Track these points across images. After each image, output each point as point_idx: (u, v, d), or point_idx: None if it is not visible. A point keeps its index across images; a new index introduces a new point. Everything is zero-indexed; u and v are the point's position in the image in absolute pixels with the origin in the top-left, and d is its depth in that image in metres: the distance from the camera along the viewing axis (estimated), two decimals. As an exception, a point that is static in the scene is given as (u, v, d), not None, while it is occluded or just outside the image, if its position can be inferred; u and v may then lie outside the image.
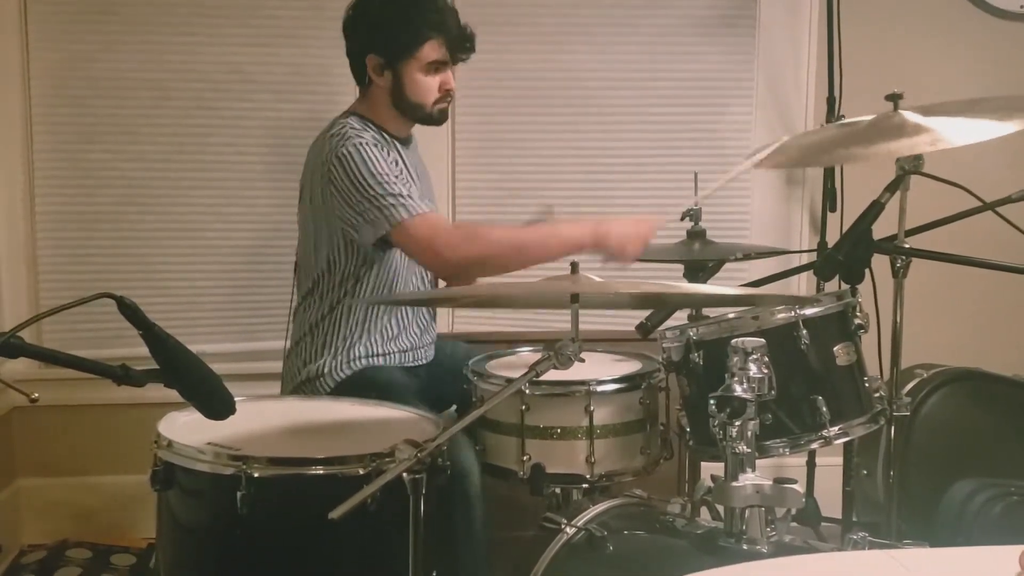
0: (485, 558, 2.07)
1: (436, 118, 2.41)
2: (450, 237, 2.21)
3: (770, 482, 1.50)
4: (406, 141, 2.45)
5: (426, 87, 2.35)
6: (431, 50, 2.33)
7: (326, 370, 2.35)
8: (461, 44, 2.37)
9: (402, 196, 2.20)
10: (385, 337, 2.39)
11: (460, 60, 2.41)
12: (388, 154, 2.29)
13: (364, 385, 2.28)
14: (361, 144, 2.25)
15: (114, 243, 3.01)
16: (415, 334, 2.46)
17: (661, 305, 2.16)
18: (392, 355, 2.41)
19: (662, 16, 3.08)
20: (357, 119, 2.36)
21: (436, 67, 2.35)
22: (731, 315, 1.95)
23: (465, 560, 2.03)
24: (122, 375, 1.36)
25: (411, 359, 2.45)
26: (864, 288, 2.07)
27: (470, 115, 3.03)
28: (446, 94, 2.39)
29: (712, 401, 1.54)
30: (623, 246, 2.16)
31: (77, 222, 2.99)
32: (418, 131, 2.50)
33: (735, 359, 1.54)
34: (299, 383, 2.37)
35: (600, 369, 2.08)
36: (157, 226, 3.01)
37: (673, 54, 3.09)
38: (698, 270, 2.38)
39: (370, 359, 2.37)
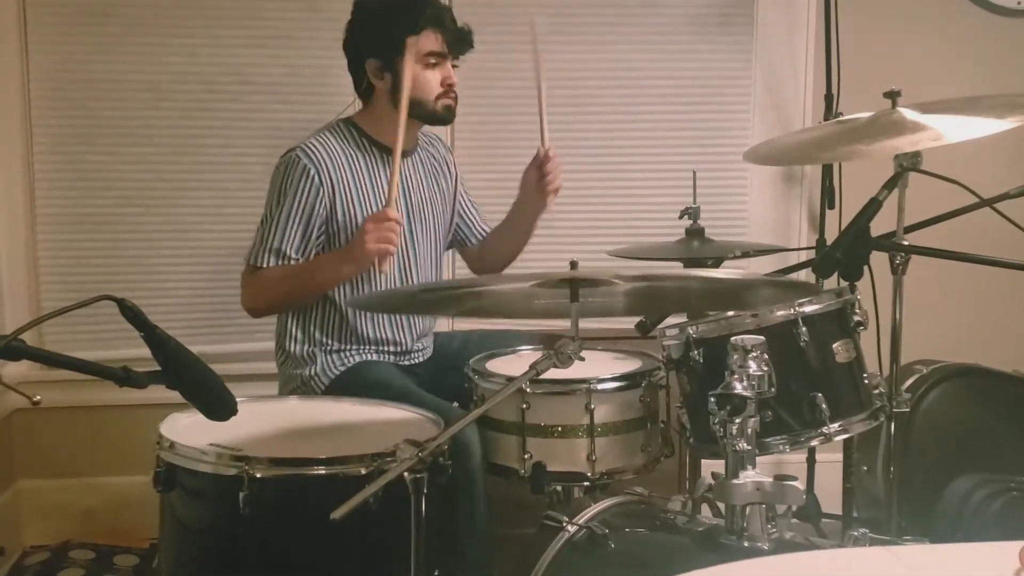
0: (487, 557, 2.08)
1: (441, 115, 2.37)
2: (246, 290, 2.37)
3: (770, 479, 1.50)
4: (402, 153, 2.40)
5: (425, 81, 2.31)
6: (427, 40, 2.29)
7: (318, 369, 2.35)
8: (458, 35, 2.33)
9: (263, 240, 2.30)
10: (370, 337, 2.39)
11: (459, 53, 2.36)
12: (307, 189, 2.28)
13: (358, 381, 2.28)
14: (290, 169, 2.29)
15: (114, 245, 3.01)
16: (406, 337, 2.44)
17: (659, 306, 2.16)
18: (385, 354, 2.41)
19: (660, 15, 3.08)
20: (332, 132, 2.37)
21: (434, 60, 2.31)
22: (730, 313, 1.96)
23: (467, 559, 2.04)
24: (124, 377, 1.36)
25: (406, 360, 2.45)
26: (863, 285, 2.08)
27: (469, 115, 3.02)
28: (449, 89, 2.34)
29: (712, 399, 1.54)
30: (368, 242, 2.18)
31: (77, 224, 3.00)
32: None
33: (735, 356, 1.54)
34: (294, 387, 2.37)
35: (600, 367, 2.08)
36: (157, 227, 3.01)
37: (671, 53, 3.09)
38: (697, 268, 2.39)
39: (361, 355, 2.37)
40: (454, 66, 2.38)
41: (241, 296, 2.38)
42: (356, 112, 2.45)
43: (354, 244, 2.23)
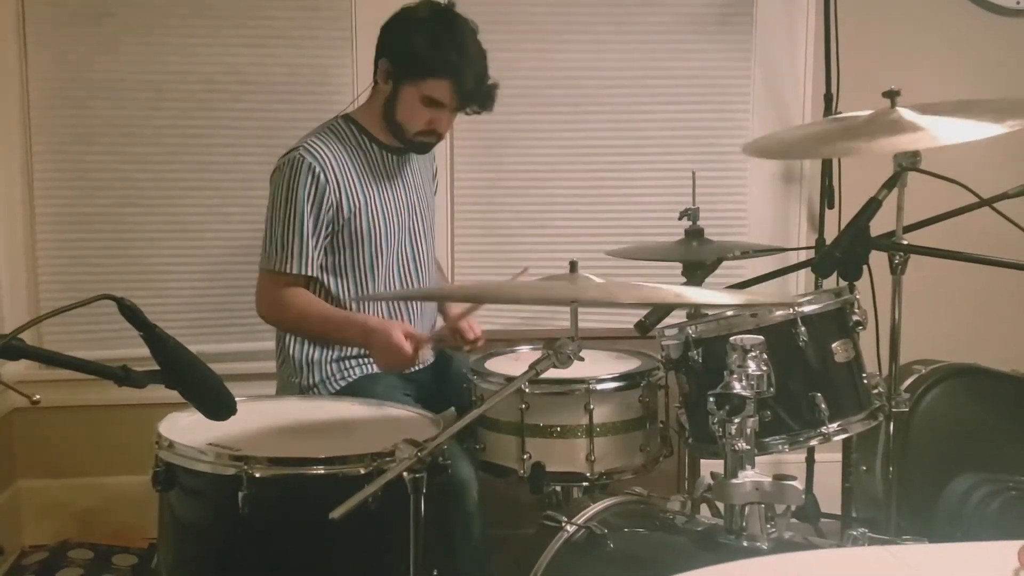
0: (486, 557, 2.08)
1: (414, 145, 2.39)
2: (267, 300, 2.35)
3: (769, 479, 1.50)
4: (398, 150, 2.42)
5: (414, 115, 2.32)
6: (435, 87, 2.29)
7: (317, 380, 2.35)
8: (470, 97, 2.31)
9: (275, 245, 2.29)
10: None
11: (467, 112, 2.36)
12: (314, 189, 2.27)
13: (360, 395, 2.27)
14: (295, 170, 2.27)
15: (113, 244, 3.01)
16: None
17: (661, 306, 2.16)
18: None
19: (660, 14, 3.08)
20: (331, 131, 2.36)
21: (433, 103, 2.30)
22: (730, 313, 1.96)
23: (466, 559, 2.04)
24: (123, 376, 1.36)
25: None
26: (862, 285, 2.07)
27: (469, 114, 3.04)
28: (432, 131, 2.35)
29: (711, 398, 1.54)
30: (382, 360, 2.24)
31: (76, 224, 3.00)
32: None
33: (734, 356, 1.54)
34: (295, 393, 2.37)
35: (599, 367, 2.08)
36: (156, 227, 3.02)
37: (671, 51, 3.10)
38: (696, 269, 2.38)
39: (362, 366, 2.37)
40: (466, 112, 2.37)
41: (257, 302, 2.37)
42: (357, 107, 2.45)
43: (377, 345, 2.22)
